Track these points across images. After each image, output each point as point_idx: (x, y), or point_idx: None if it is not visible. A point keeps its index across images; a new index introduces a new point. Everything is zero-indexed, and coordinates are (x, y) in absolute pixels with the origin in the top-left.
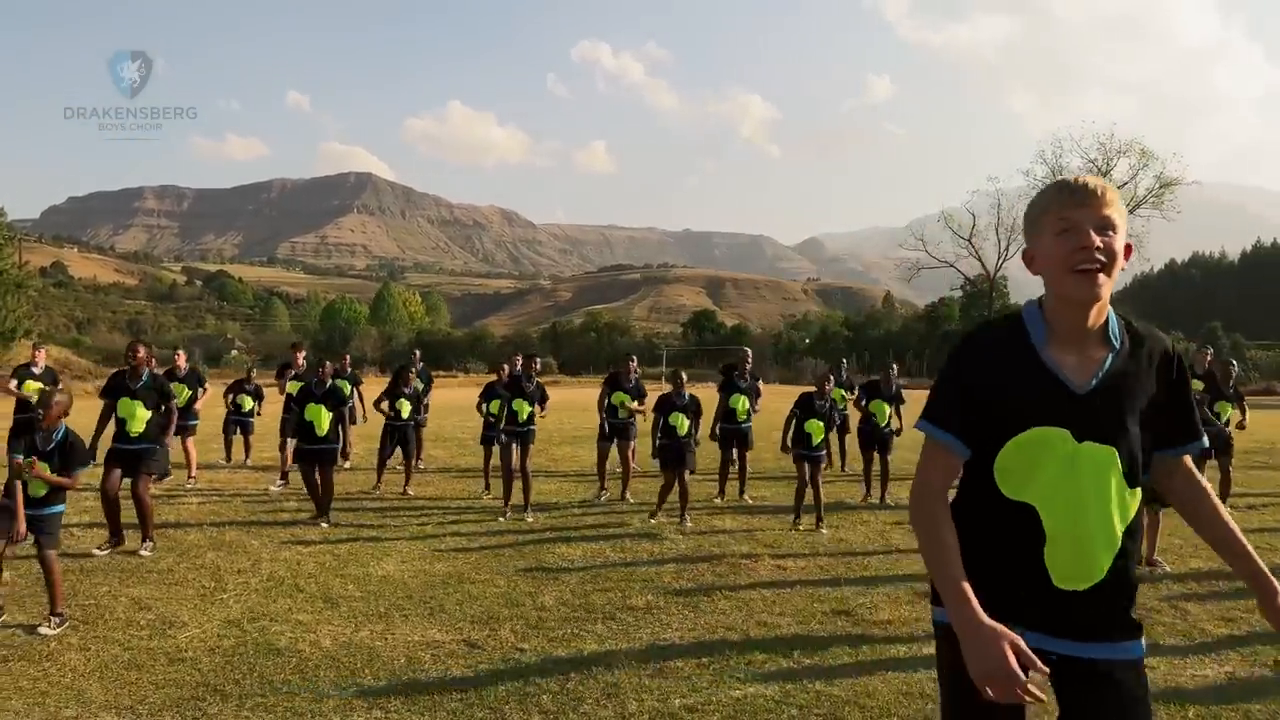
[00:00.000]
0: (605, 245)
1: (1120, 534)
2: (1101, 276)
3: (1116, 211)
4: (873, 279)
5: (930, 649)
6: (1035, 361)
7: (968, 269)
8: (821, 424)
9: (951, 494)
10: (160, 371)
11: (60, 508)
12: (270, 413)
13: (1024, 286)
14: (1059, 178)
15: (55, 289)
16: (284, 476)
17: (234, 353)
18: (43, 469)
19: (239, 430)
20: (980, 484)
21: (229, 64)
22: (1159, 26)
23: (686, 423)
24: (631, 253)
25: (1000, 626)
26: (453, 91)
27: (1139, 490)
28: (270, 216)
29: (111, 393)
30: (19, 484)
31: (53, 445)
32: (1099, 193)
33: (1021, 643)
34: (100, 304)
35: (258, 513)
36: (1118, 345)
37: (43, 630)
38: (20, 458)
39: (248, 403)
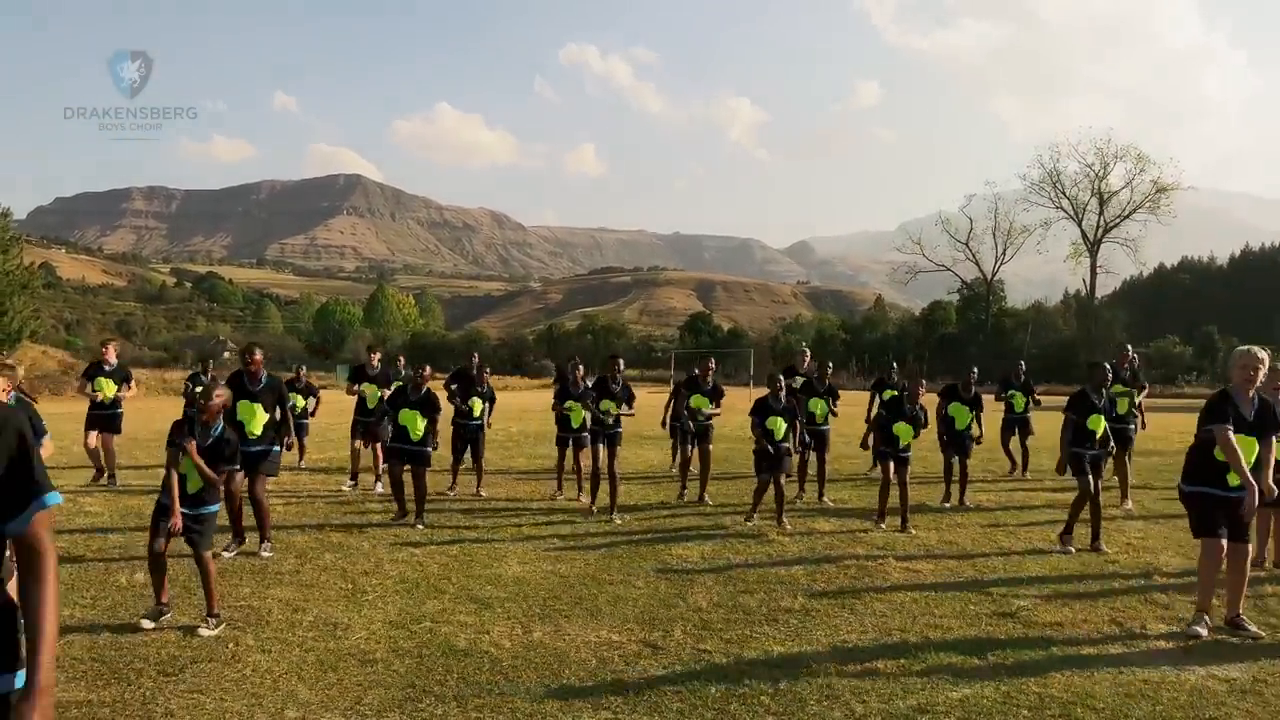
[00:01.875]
0: (595, 248)
1: None
2: None
3: None
4: (862, 282)
5: (1115, 650)
6: None
7: (964, 272)
8: (910, 426)
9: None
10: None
11: (214, 508)
12: (329, 410)
13: (1024, 289)
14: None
15: (44, 290)
16: (354, 477)
17: (226, 355)
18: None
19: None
20: None
21: (214, 64)
22: (1143, 32)
23: (784, 426)
24: (621, 255)
25: None
26: (440, 93)
27: None
28: (259, 218)
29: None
30: (175, 479)
31: (210, 440)
32: None
33: None
34: (89, 305)
35: (348, 515)
36: None
37: (202, 632)
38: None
39: (300, 402)
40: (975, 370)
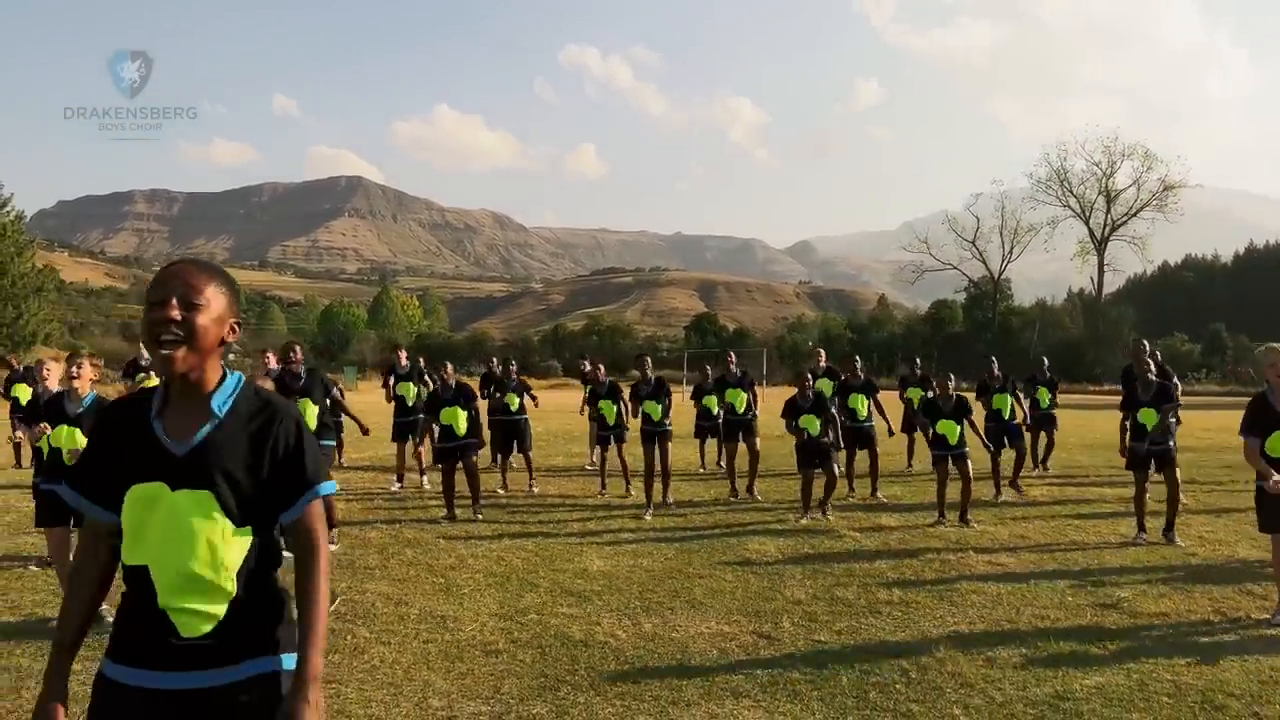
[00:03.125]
0: (597, 248)
1: None
2: None
3: None
4: (864, 281)
5: (1231, 638)
6: None
7: (970, 271)
8: (955, 424)
9: None
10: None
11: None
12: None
13: (1027, 288)
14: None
15: (55, 292)
16: (400, 478)
17: (231, 356)
18: None
19: None
20: None
21: (213, 68)
22: (1144, 31)
23: (817, 423)
24: (624, 256)
25: None
26: (440, 95)
27: None
28: (261, 220)
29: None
30: None
31: None
32: None
33: None
34: (93, 308)
35: (411, 511)
36: None
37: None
38: None
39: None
40: (995, 360)
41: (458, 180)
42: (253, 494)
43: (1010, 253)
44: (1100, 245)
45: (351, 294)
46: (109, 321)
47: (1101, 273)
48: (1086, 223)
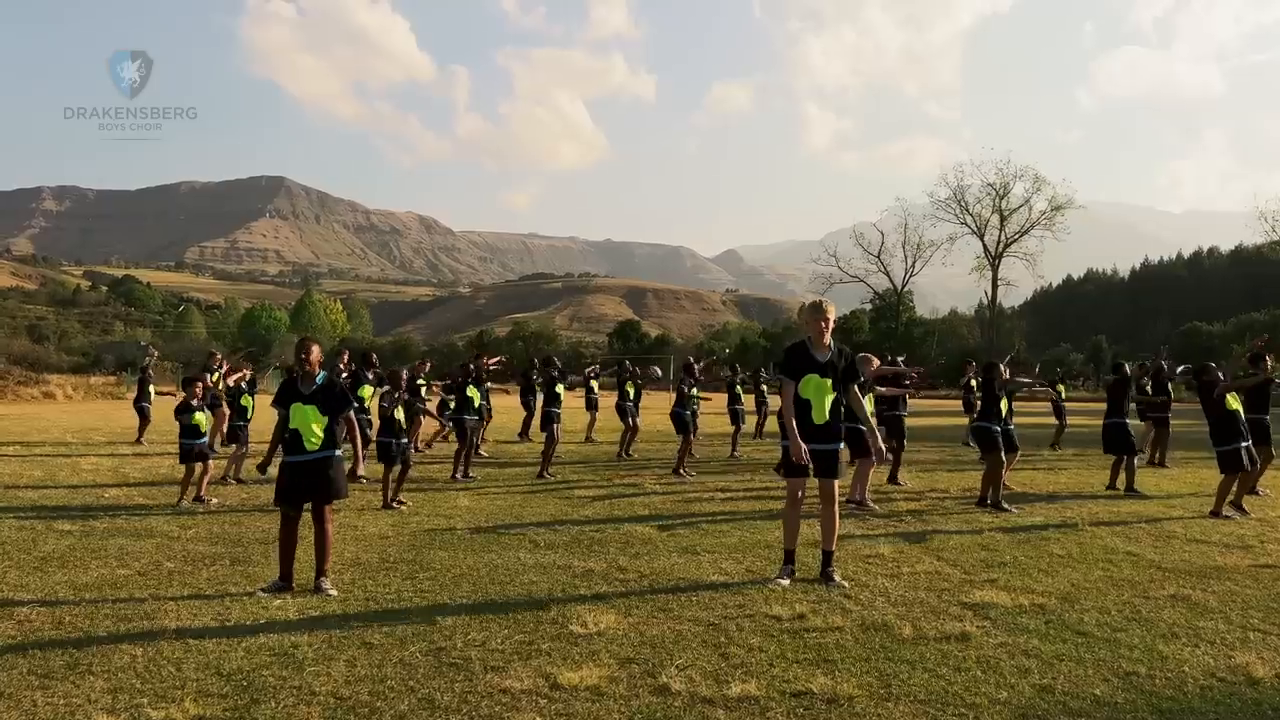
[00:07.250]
0: (525, 253)
1: None
2: None
3: None
4: (789, 290)
5: None
6: None
7: (877, 283)
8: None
9: None
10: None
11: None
12: None
13: (928, 299)
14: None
15: None
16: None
17: (148, 360)
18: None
19: None
20: None
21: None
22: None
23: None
24: (552, 262)
25: None
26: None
27: None
28: (178, 220)
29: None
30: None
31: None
32: None
33: None
34: None
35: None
36: None
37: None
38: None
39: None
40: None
41: (383, 182)
42: None
43: (913, 266)
44: (995, 261)
45: (273, 296)
46: (16, 322)
47: (995, 286)
48: (982, 239)
